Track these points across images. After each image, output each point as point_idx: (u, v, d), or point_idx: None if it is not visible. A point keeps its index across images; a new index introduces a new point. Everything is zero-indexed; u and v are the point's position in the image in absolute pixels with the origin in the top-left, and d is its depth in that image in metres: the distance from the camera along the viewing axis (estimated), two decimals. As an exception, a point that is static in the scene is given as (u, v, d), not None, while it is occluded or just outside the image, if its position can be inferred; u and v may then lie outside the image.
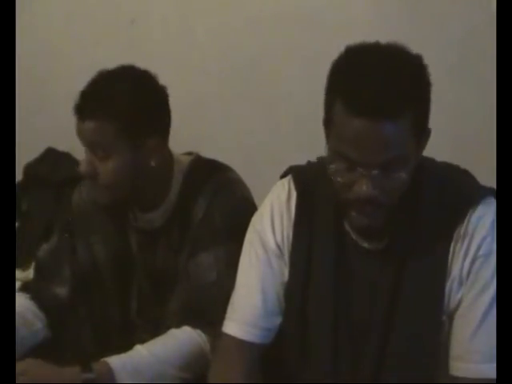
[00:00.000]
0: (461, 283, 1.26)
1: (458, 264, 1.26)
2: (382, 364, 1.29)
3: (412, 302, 1.27)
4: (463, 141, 2.21)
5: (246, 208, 1.57)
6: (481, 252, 1.25)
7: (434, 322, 1.27)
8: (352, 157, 1.17)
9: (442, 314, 1.26)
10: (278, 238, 1.36)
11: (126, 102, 1.48)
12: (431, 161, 1.36)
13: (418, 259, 1.27)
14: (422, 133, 1.23)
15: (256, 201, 1.62)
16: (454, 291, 1.26)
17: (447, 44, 2.28)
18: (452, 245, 1.27)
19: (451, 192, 1.29)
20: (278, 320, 1.36)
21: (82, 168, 1.52)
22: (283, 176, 1.43)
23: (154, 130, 1.53)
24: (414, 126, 1.18)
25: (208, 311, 1.49)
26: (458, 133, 2.25)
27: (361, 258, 1.32)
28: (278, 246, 1.36)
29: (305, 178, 1.39)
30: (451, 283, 1.26)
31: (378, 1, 2.34)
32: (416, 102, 1.19)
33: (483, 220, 1.26)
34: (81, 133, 1.50)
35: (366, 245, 1.31)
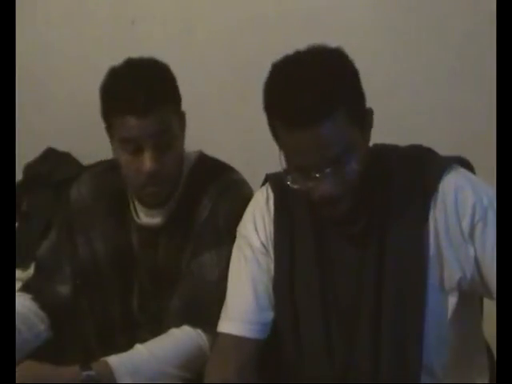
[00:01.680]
0: (465, 241, 1.29)
1: (453, 231, 1.29)
2: (377, 346, 1.32)
3: (397, 280, 1.31)
4: (463, 141, 2.21)
5: None
6: (477, 217, 1.29)
7: (421, 295, 1.30)
8: (302, 165, 1.26)
9: (427, 287, 1.30)
10: (262, 237, 1.43)
11: (168, 82, 1.52)
12: (393, 146, 1.41)
13: (397, 237, 1.32)
14: (361, 116, 1.28)
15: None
16: (463, 252, 1.29)
17: (447, 45, 2.27)
18: (431, 216, 1.31)
19: (419, 165, 1.34)
20: (270, 315, 1.41)
21: (149, 167, 1.46)
22: (262, 184, 1.51)
23: (180, 99, 1.57)
24: (351, 116, 1.24)
25: (209, 311, 1.49)
26: (457, 133, 2.25)
27: (341, 243, 1.37)
28: (263, 244, 1.43)
29: (280, 180, 1.43)
30: (455, 254, 1.29)
31: (378, 1, 2.34)
32: (344, 94, 1.24)
33: (462, 187, 1.31)
34: (142, 129, 1.44)
35: (343, 230, 1.36)
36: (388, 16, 2.33)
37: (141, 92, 1.44)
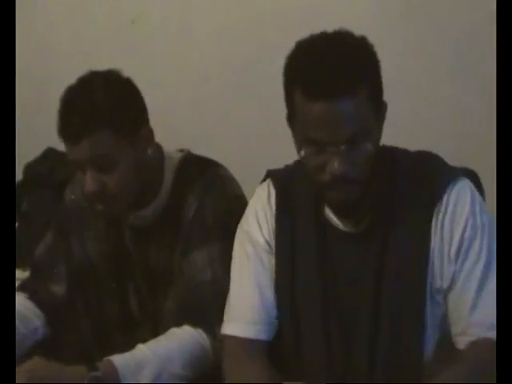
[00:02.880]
0: (450, 261, 1.31)
1: (445, 243, 1.31)
2: (374, 346, 1.32)
3: (397, 283, 1.31)
4: (463, 140, 2.21)
5: (237, 205, 1.57)
6: (466, 234, 1.30)
7: (421, 300, 1.31)
8: (319, 138, 1.25)
9: (426, 291, 1.31)
10: (265, 234, 1.42)
11: (111, 103, 1.46)
12: (403, 149, 1.41)
13: (399, 240, 1.32)
14: (378, 106, 1.29)
15: (249, 199, 1.62)
16: (446, 269, 1.31)
17: (447, 44, 2.27)
18: (433, 223, 1.32)
19: (426, 173, 1.35)
20: (275, 313, 1.39)
21: (89, 188, 1.47)
22: (263, 180, 1.49)
23: (141, 118, 1.53)
24: (370, 100, 1.26)
25: (205, 310, 1.49)
26: (457, 132, 2.25)
27: (343, 244, 1.36)
28: (267, 241, 1.41)
29: (282, 177, 1.45)
30: (441, 261, 1.31)
31: (378, 2, 2.34)
32: (367, 77, 1.26)
33: (462, 200, 1.32)
34: (77, 154, 1.46)
35: (346, 229, 1.36)
36: (388, 16, 2.33)
37: (72, 119, 1.45)
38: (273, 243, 1.41)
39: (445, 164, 1.38)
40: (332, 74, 1.22)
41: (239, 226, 1.46)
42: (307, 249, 1.38)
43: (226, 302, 1.43)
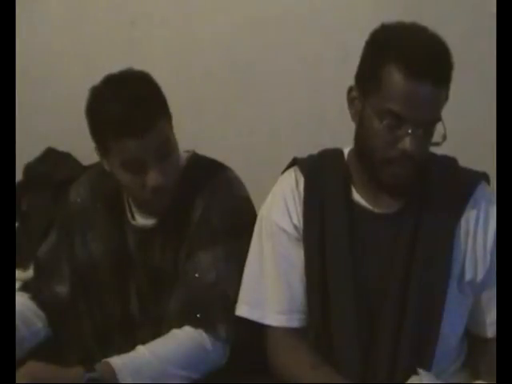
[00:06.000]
0: (486, 252, 1.36)
1: (479, 237, 1.36)
2: (398, 329, 1.35)
3: (426, 266, 1.34)
4: (463, 141, 2.21)
5: (244, 207, 1.58)
6: (493, 243, 1.35)
7: (444, 290, 1.34)
8: (405, 114, 1.28)
9: (453, 280, 1.35)
10: (295, 219, 1.43)
11: (159, 93, 1.51)
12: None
13: (430, 225, 1.35)
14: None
15: (255, 201, 1.62)
16: (481, 261, 1.36)
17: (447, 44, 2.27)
18: (463, 219, 1.36)
19: (457, 171, 1.41)
20: (305, 301, 1.42)
21: (156, 182, 1.47)
22: (288, 168, 1.50)
23: (167, 103, 1.55)
24: (448, 91, 1.31)
25: (209, 311, 1.49)
26: (457, 132, 2.24)
27: (373, 225, 1.39)
28: (296, 227, 1.42)
29: (309, 164, 1.46)
30: (473, 254, 1.36)
31: (378, 1, 2.34)
32: (451, 73, 1.31)
33: (492, 199, 1.36)
34: (142, 147, 1.44)
35: (377, 210, 1.38)
36: (388, 16, 2.32)
37: (136, 113, 1.43)
38: (301, 228, 1.42)
39: (465, 168, 1.43)
40: (437, 61, 1.27)
41: (262, 216, 1.48)
42: (337, 231, 1.39)
43: (253, 290, 1.44)
